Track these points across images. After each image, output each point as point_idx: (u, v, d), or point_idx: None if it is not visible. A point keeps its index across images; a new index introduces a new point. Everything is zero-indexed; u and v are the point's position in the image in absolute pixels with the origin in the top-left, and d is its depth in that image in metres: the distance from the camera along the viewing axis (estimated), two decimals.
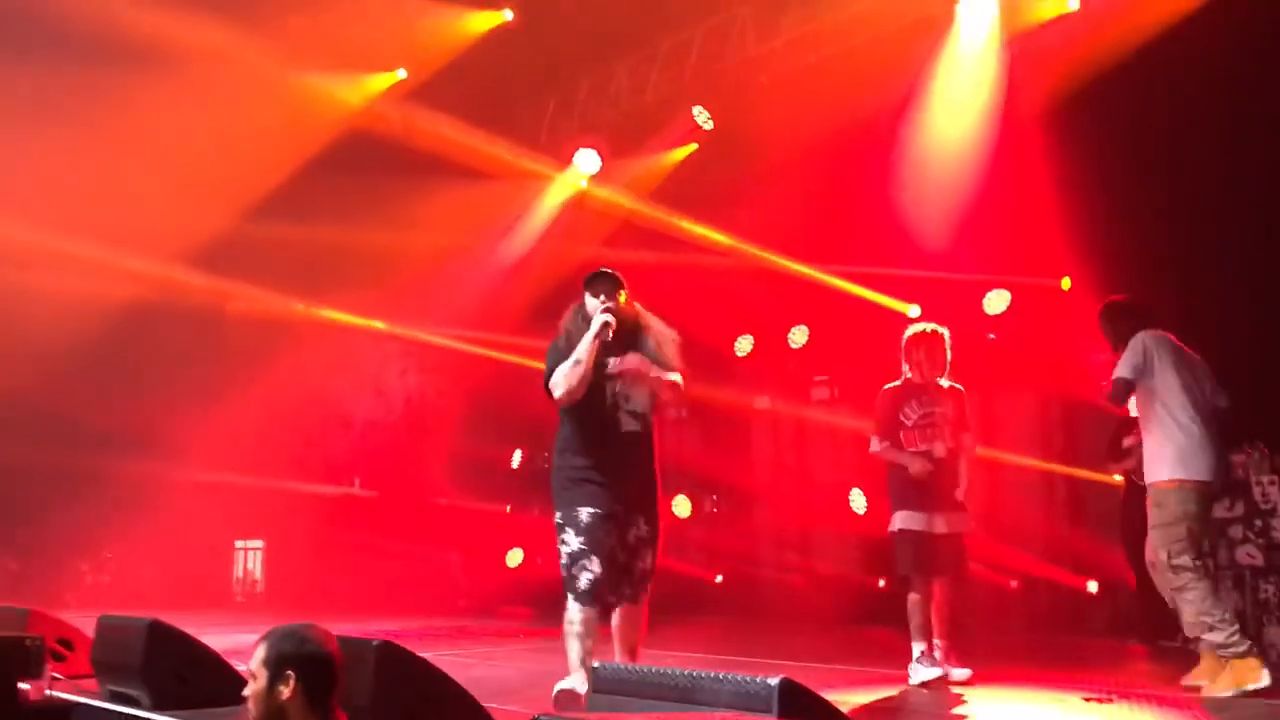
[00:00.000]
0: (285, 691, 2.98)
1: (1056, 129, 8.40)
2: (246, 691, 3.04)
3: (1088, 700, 5.32)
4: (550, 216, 12.48)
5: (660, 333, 4.96)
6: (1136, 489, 6.66)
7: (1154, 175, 8.04)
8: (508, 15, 11.09)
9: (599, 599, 4.64)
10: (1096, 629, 8.47)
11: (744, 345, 11.42)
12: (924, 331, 6.23)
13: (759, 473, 11.39)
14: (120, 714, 4.50)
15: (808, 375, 11.11)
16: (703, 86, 11.09)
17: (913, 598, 5.97)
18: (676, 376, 4.83)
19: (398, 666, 3.90)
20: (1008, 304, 9.26)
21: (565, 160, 12.09)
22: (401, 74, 11.68)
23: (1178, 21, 7.77)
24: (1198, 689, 5.43)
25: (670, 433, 9.45)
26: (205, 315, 13.38)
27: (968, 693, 5.72)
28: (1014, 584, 9.07)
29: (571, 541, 4.66)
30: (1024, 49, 8.94)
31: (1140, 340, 5.70)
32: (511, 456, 13.21)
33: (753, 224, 10.43)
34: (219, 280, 12.55)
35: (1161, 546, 5.54)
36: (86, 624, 5.57)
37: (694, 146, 11.63)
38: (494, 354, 12.37)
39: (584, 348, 4.66)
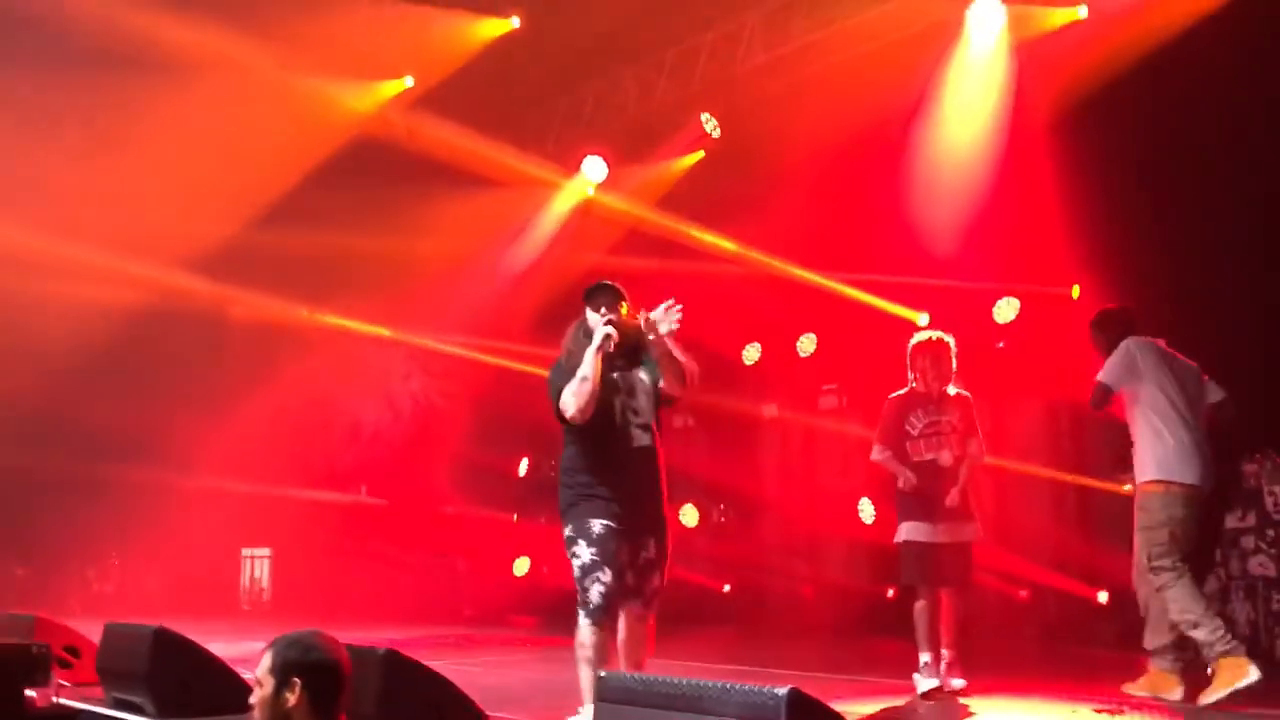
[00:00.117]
0: (291, 699, 2.96)
1: (1066, 137, 8.37)
2: (252, 699, 3.03)
3: (1098, 711, 5.29)
4: (557, 224, 12.46)
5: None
6: None
7: (1163, 183, 8.01)
8: (515, 23, 11.09)
9: (610, 613, 4.52)
10: (1106, 640, 8.41)
11: (752, 353, 11.40)
12: (928, 340, 6.21)
13: (767, 482, 11.35)
14: None
15: (816, 384, 11.06)
16: (711, 94, 11.06)
17: (918, 605, 5.96)
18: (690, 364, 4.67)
19: (404, 675, 3.89)
20: (1017, 312, 9.23)
21: (573, 168, 12.07)
22: (409, 81, 11.67)
23: (1187, 30, 7.74)
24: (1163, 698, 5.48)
25: (677, 441, 9.43)
26: (212, 322, 13.42)
27: (976, 703, 5.69)
28: (1023, 594, 9.02)
29: (583, 554, 4.52)
30: (1033, 57, 8.91)
31: (1125, 346, 5.73)
32: (518, 465, 13.20)
33: (760, 231, 10.42)
34: (226, 287, 12.55)
35: (1143, 549, 5.55)
36: (93, 631, 5.57)
37: (702, 154, 11.62)
38: (501, 361, 12.36)
39: (588, 363, 4.51)
